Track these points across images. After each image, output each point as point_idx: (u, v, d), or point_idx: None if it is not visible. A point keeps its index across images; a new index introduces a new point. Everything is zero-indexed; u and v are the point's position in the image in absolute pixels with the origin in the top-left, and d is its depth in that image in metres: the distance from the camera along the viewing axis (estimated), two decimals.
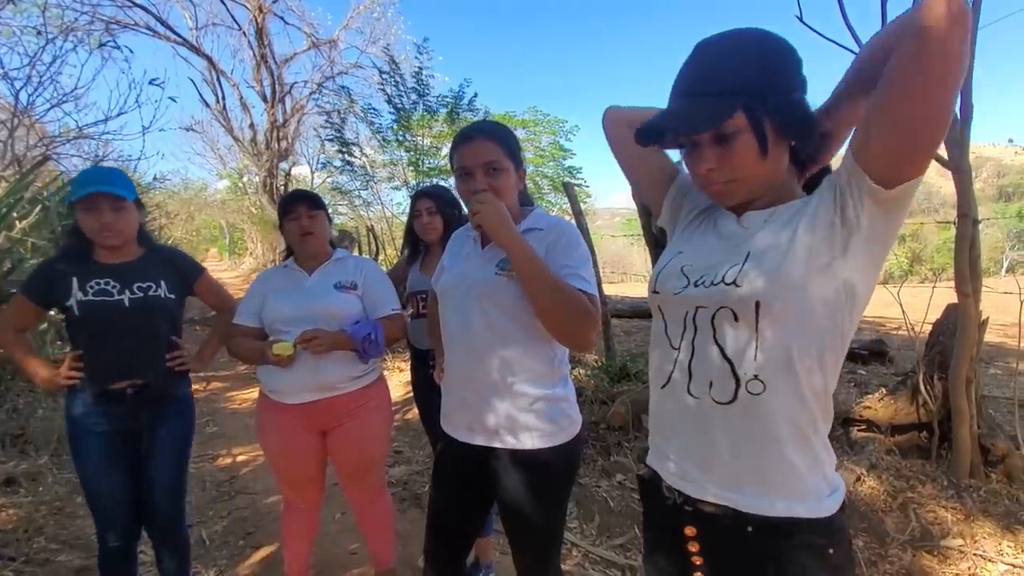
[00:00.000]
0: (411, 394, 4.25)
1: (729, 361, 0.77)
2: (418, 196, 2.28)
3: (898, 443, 2.64)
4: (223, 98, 15.50)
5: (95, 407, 1.65)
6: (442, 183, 9.83)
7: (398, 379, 5.06)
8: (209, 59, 14.72)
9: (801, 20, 2.57)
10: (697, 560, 0.84)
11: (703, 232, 0.91)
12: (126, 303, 1.64)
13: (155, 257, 1.78)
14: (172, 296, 1.75)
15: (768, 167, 0.79)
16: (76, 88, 4.79)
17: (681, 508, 0.84)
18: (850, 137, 0.75)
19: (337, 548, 2.42)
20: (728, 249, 0.82)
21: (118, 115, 5.09)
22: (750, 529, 0.77)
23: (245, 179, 23.16)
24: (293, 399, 1.77)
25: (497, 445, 1.30)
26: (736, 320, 0.76)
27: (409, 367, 2.52)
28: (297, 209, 1.81)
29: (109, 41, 5.35)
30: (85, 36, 5.58)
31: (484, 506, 1.44)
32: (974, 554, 2.08)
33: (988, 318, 2.54)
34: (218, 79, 15.28)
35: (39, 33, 4.66)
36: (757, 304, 0.74)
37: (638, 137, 0.82)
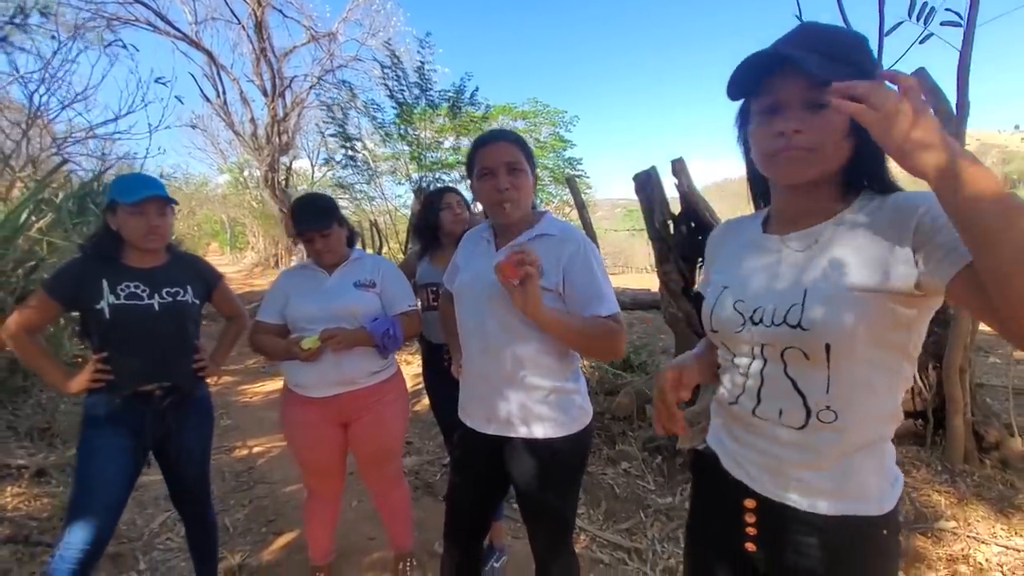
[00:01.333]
0: (419, 386, 4.36)
1: (801, 394, 0.80)
2: (446, 191, 2.36)
3: (895, 431, 2.73)
4: (223, 93, 15.48)
5: (122, 410, 1.66)
6: (444, 177, 9.91)
7: (406, 372, 5.14)
8: (209, 54, 14.69)
9: (800, 19, 2.63)
10: (751, 530, 0.88)
11: (740, 257, 0.92)
12: (156, 307, 1.68)
13: (180, 263, 1.83)
14: (196, 301, 1.81)
15: (843, 153, 0.77)
16: (87, 89, 4.87)
17: (742, 484, 0.88)
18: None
19: (356, 534, 2.53)
20: (780, 280, 0.83)
21: (127, 114, 5.17)
22: (812, 523, 0.81)
23: (246, 173, 23.18)
24: (317, 393, 1.86)
25: (512, 435, 1.39)
26: (807, 358, 0.78)
27: (420, 360, 2.60)
28: (309, 234, 1.85)
29: (116, 40, 5.40)
30: (93, 38, 5.63)
31: (500, 491, 1.54)
32: (967, 536, 2.17)
33: None
34: (218, 74, 15.25)
35: (53, 37, 4.73)
36: (829, 347, 0.76)
37: (754, 61, 0.77)
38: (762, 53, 0.77)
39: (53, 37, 4.77)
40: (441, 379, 2.42)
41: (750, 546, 0.89)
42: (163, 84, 6.05)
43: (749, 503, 0.87)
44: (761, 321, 0.82)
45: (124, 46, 5.71)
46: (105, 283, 1.63)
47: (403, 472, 2.19)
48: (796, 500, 0.82)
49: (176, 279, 1.76)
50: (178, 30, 13.56)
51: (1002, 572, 2.01)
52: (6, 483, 2.71)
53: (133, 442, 1.68)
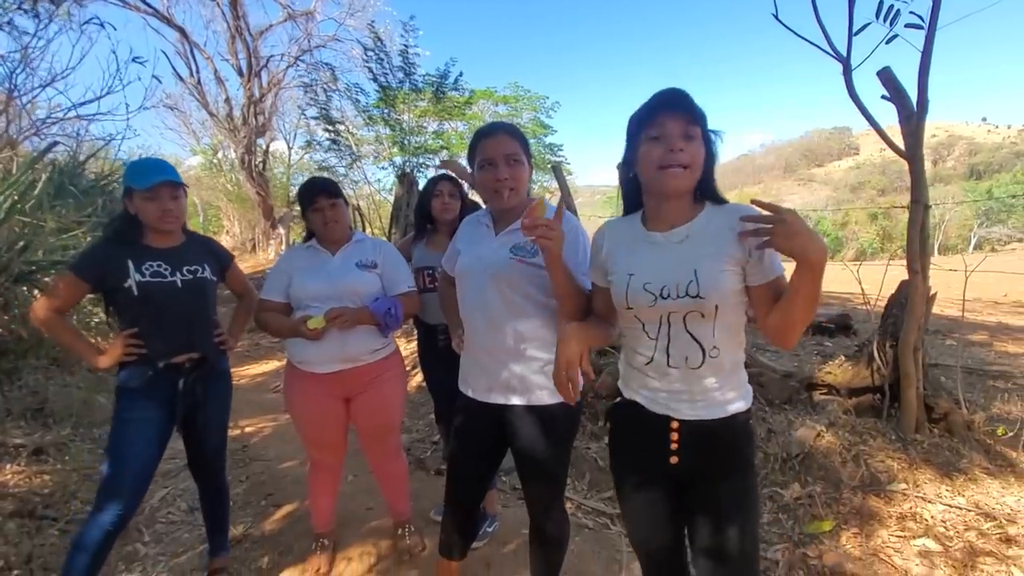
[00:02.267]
0: (407, 368, 4.46)
1: (698, 342, 1.17)
2: (439, 179, 2.46)
3: (855, 404, 2.95)
4: (197, 71, 15.09)
5: (154, 381, 1.77)
6: (427, 162, 9.89)
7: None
8: (182, 31, 14.27)
9: (776, 17, 2.77)
10: (675, 446, 1.22)
11: (637, 253, 1.24)
12: (179, 284, 1.79)
13: (196, 242, 1.93)
14: (214, 278, 1.92)
15: (699, 174, 1.17)
16: (66, 70, 4.76)
17: (666, 416, 1.22)
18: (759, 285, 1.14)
19: (354, 505, 2.65)
20: (674, 266, 1.17)
21: (106, 94, 5.07)
22: (711, 427, 1.20)
23: (220, 155, 22.64)
24: (320, 369, 1.96)
25: (513, 402, 1.53)
26: (703, 317, 1.15)
27: (416, 341, 2.71)
28: (319, 201, 1.96)
29: (93, 18, 5.26)
30: (62, 12, 5.46)
31: (497, 457, 1.68)
32: (916, 496, 2.40)
33: (936, 293, 2.84)
34: (191, 51, 14.83)
35: (36, 16, 4.58)
36: (717, 307, 1.14)
37: (647, 106, 1.16)
38: (660, 98, 1.14)
39: (35, 17, 4.64)
40: (435, 357, 2.55)
41: (674, 459, 1.22)
42: (141, 64, 5.93)
43: (674, 424, 1.21)
44: (669, 296, 1.15)
45: (101, 24, 5.57)
46: (130, 263, 1.73)
47: (402, 445, 2.32)
48: (703, 413, 1.19)
49: (194, 258, 1.86)
50: (149, 5, 13.12)
51: (945, 527, 2.24)
52: (5, 462, 2.75)
53: (164, 413, 1.80)
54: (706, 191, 1.21)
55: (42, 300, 1.75)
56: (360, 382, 2.01)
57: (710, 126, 1.18)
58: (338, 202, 1.99)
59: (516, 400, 1.52)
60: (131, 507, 1.70)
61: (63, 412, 3.26)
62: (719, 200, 1.21)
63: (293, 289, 1.98)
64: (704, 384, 1.18)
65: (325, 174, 11.63)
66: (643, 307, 1.19)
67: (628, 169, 1.25)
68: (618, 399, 1.35)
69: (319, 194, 1.96)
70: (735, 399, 1.21)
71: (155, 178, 1.70)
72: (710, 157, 1.18)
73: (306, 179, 2.09)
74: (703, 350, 1.16)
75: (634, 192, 1.29)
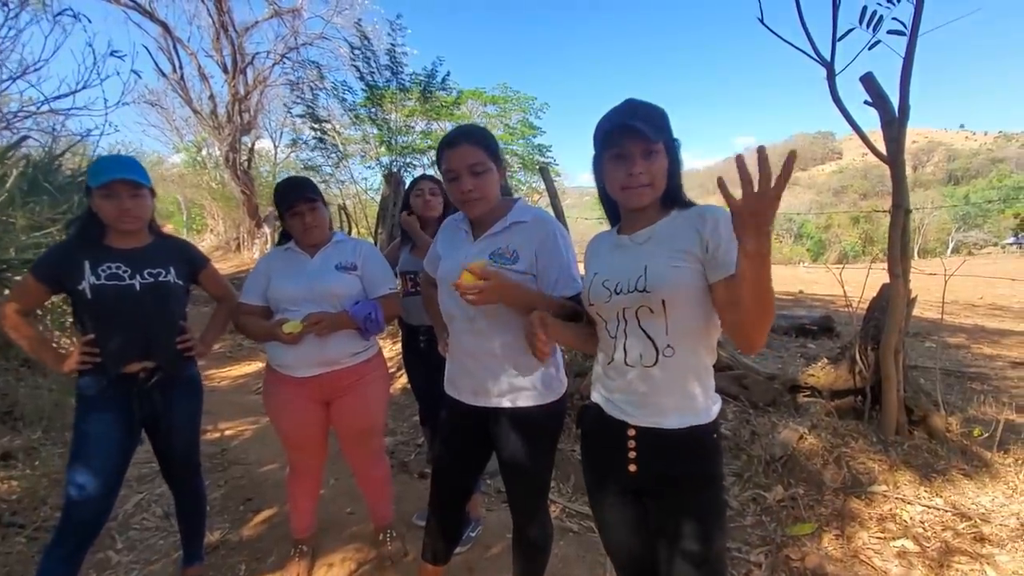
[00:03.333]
0: (394, 369, 4.42)
1: (651, 338, 1.16)
2: (421, 178, 2.43)
3: (837, 406, 2.97)
4: (180, 67, 14.84)
5: (109, 390, 1.70)
6: (414, 162, 9.84)
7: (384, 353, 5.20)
8: (164, 25, 14.04)
9: (762, 21, 2.79)
10: (632, 454, 1.20)
11: (605, 254, 1.28)
12: (137, 287, 1.70)
13: (164, 244, 1.85)
14: (180, 282, 1.82)
15: (663, 184, 1.18)
16: (38, 62, 4.63)
17: (623, 422, 1.22)
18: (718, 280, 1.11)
19: (335, 509, 2.61)
20: (629, 263, 1.18)
21: (82, 88, 4.95)
22: (669, 436, 1.17)
23: (204, 152, 22.30)
24: (300, 373, 1.92)
25: (498, 406, 1.51)
26: (652, 312, 1.15)
27: (400, 343, 2.68)
28: (298, 205, 1.88)
29: (66, 10, 5.12)
30: (35, 2, 5.32)
31: (482, 460, 1.66)
32: (896, 498, 2.42)
33: (916, 296, 2.87)
34: (174, 47, 14.59)
35: (3, 4, 4.45)
36: (664, 301, 1.13)
37: (607, 127, 1.16)
38: (617, 121, 1.15)
39: (4, 5, 4.51)
40: (418, 358, 2.52)
41: (632, 467, 1.20)
42: (119, 58, 5.79)
43: (631, 431, 1.20)
44: (621, 291, 1.18)
45: (76, 16, 5.43)
46: (87, 264, 1.66)
47: (384, 449, 2.28)
48: (659, 421, 1.17)
49: (158, 260, 1.78)
50: None
51: (923, 528, 2.26)
52: None
53: (123, 422, 1.72)
54: (672, 198, 1.22)
55: (6, 302, 1.69)
56: (340, 385, 1.97)
57: (675, 134, 1.19)
58: (317, 205, 1.92)
59: (501, 403, 1.51)
60: (95, 521, 1.66)
61: (33, 415, 3.17)
62: (685, 204, 1.23)
63: (271, 292, 1.94)
64: (659, 385, 1.16)
65: (311, 173, 11.52)
66: (601, 304, 1.22)
67: (600, 180, 1.26)
68: (586, 401, 1.36)
69: (298, 199, 1.89)
70: (694, 409, 1.17)
71: (111, 175, 1.63)
72: (674, 165, 1.18)
73: (281, 180, 2.01)
74: (656, 348, 1.16)
75: (610, 201, 1.30)
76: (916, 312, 3.06)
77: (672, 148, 1.18)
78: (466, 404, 1.56)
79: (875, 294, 3.01)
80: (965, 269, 3.87)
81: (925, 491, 2.47)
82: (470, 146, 1.43)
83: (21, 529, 2.28)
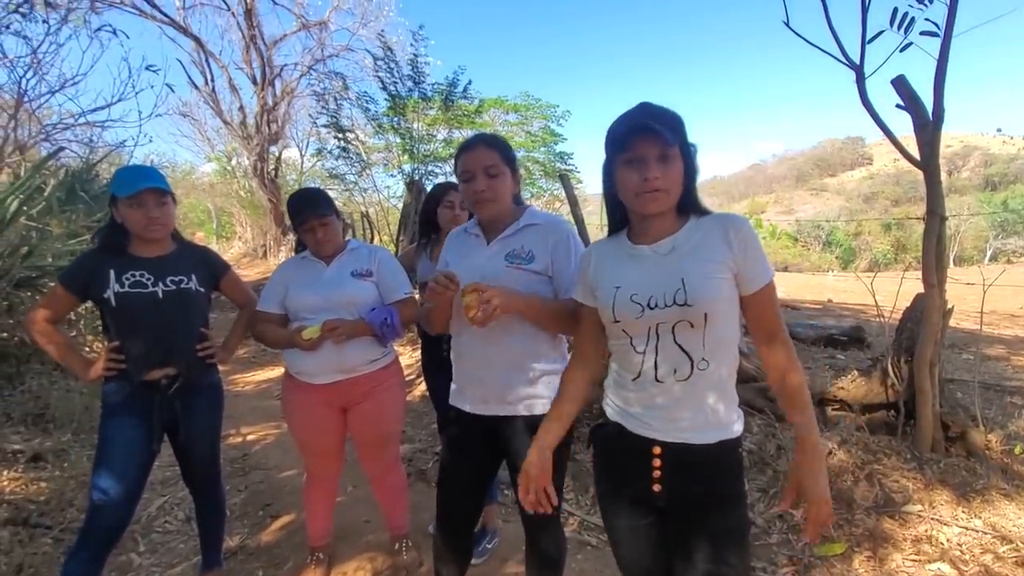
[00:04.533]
0: (412, 376, 4.43)
1: (687, 353, 1.12)
2: (450, 187, 2.36)
3: (868, 420, 2.86)
4: (212, 80, 15.31)
5: (132, 397, 1.73)
6: (436, 170, 9.93)
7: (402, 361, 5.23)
8: (197, 40, 14.49)
9: (788, 25, 2.73)
10: (657, 473, 1.16)
11: (623, 266, 1.21)
12: (160, 295, 1.74)
13: (186, 252, 1.88)
14: (202, 289, 1.85)
15: (680, 191, 1.14)
16: (76, 76, 4.82)
17: (649, 439, 1.17)
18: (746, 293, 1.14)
19: (352, 517, 2.61)
20: (662, 276, 1.14)
21: (117, 101, 5.13)
22: (696, 453, 1.14)
23: (234, 162, 22.90)
24: (318, 380, 1.93)
25: (510, 414, 1.49)
26: (692, 327, 1.11)
27: (420, 350, 2.67)
28: (309, 222, 1.89)
29: (105, 25, 5.33)
30: (76, 19, 5.54)
31: (491, 470, 1.64)
32: (931, 518, 2.31)
33: (953, 307, 2.75)
34: (206, 60, 15.06)
35: (45, 21, 4.65)
36: (706, 315, 1.10)
37: (621, 130, 1.13)
38: (632, 123, 1.11)
39: (45, 22, 4.71)
40: (438, 366, 2.49)
41: (657, 487, 1.17)
42: (154, 71, 6.00)
43: (656, 450, 1.16)
44: (656, 306, 1.12)
45: (114, 32, 5.64)
46: (112, 273, 1.70)
47: (400, 457, 2.27)
48: (687, 437, 1.14)
49: (181, 268, 1.81)
50: (165, 15, 13.34)
51: (961, 551, 2.14)
52: (1, 468, 2.74)
53: (145, 428, 1.75)
54: (689, 205, 1.18)
55: (37, 310, 1.74)
56: (358, 392, 1.97)
57: (691, 139, 1.15)
58: (328, 220, 1.92)
59: (513, 412, 1.49)
60: (117, 525, 1.69)
61: (64, 417, 3.26)
62: (703, 212, 1.19)
63: (288, 301, 1.96)
64: (690, 399, 1.13)
65: (335, 182, 11.72)
66: (630, 320, 1.16)
67: (609, 185, 1.21)
68: (600, 421, 1.31)
69: (308, 216, 1.90)
70: (721, 424, 1.15)
71: (140, 185, 1.67)
72: (690, 171, 1.15)
73: (293, 194, 2.02)
74: (691, 361, 1.12)
75: (617, 207, 1.26)
76: (952, 322, 2.94)
77: (688, 153, 1.14)
78: (474, 414, 1.54)
79: (908, 304, 2.90)
80: (1005, 278, 3.71)
81: (963, 511, 2.35)
82: (486, 148, 1.47)
83: (48, 530, 2.33)
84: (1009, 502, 2.37)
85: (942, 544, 2.18)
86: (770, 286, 1.13)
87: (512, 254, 1.48)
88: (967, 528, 2.25)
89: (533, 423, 1.46)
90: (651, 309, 1.13)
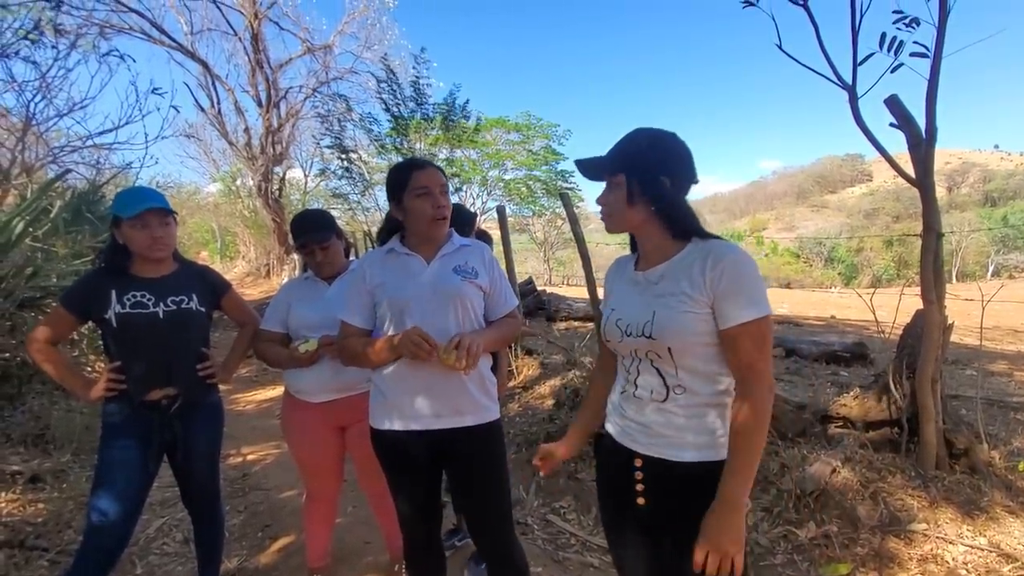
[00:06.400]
0: None
1: (662, 376, 1.17)
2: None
3: (871, 438, 2.84)
4: (218, 102, 15.56)
5: (132, 417, 1.74)
6: None
7: None
8: (204, 64, 14.78)
9: (780, 47, 2.78)
10: (640, 486, 1.20)
11: (621, 290, 1.30)
12: (161, 315, 1.74)
13: (187, 272, 1.90)
14: (203, 309, 1.86)
15: (631, 215, 1.18)
16: (84, 99, 4.92)
17: (631, 451, 1.22)
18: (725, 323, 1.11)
19: (351, 538, 2.58)
20: (640, 305, 1.19)
21: (124, 124, 5.23)
22: (675, 470, 1.16)
23: (238, 182, 23.16)
24: (316, 398, 1.94)
25: (460, 425, 1.53)
26: (660, 356, 1.16)
27: None
28: (310, 247, 1.94)
29: (113, 50, 5.46)
30: (86, 45, 5.68)
31: (438, 485, 1.66)
32: (937, 537, 2.27)
33: (954, 323, 2.75)
34: (213, 84, 15.33)
35: (53, 47, 4.77)
36: (670, 349, 1.14)
37: (581, 172, 1.26)
38: (581, 162, 1.24)
39: (54, 47, 4.83)
40: None
41: (640, 500, 1.20)
42: (160, 95, 6.11)
43: (638, 462, 1.20)
44: (631, 334, 1.18)
45: (121, 56, 5.77)
46: (113, 293, 1.71)
47: None
48: (668, 454, 1.16)
49: (182, 287, 1.82)
50: (173, 40, 13.64)
51: (967, 570, 2.11)
52: (0, 489, 2.73)
53: (144, 449, 1.74)
54: (682, 230, 1.19)
55: (37, 330, 1.75)
56: (356, 411, 1.96)
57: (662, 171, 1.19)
58: (329, 244, 1.96)
59: (462, 423, 1.53)
60: (115, 547, 1.68)
61: (64, 438, 3.25)
62: (703, 235, 1.18)
63: (290, 319, 1.98)
64: (669, 419, 1.17)
65: (339, 201, 11.84)
66: (615, 342, 1.24)
67: None
68: (599, 431, 1.38)
69: (309, 241, 1.94)
70: (702, 445, 1.15)
71: (143, 205, 1.69)
72: (660, 199, 1.16)
73: (296, 216, 2.06)
74: (667, 387, 1.17)
75: None
76: (955, 338, 2.93)
77: (652, 183, 1.15)
78: (416, 431, 1.52)
79: (908, 320, 2.90)
80: (1006, 293, 3.71)
81: (968, 530, 2.32)
82: (437, 171, 1.56)
83: (44, 552, 2.32)
84: (1014, 519, 2.34)
85: (948, 563, 2.15)
86: (750, 325, 1.07)
87: (459, 268, 1.56)
88: (972, 546, 2.21)
89: (478, 431, 1.55)
90: (627, 336, 1.20)
